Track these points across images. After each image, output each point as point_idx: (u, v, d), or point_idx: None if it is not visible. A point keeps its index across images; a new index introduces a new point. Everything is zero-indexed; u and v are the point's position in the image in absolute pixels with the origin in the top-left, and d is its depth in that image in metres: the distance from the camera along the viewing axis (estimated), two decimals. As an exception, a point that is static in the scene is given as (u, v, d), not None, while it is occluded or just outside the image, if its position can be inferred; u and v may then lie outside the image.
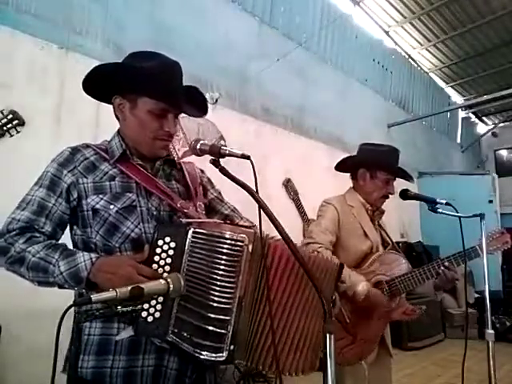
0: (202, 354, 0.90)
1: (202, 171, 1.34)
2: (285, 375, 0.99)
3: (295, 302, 0.99)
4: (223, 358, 0.90)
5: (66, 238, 1.12)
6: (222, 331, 0.90)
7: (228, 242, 0.92)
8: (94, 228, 1.07)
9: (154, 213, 1.10)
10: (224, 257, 0.91)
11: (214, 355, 0.90)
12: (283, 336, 0.98)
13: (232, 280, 0.91)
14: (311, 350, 1.02)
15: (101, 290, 0.96)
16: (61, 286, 1.00)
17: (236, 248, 0.92)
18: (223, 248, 0.92)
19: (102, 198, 1.07)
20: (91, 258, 0.97)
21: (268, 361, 0.96)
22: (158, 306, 0.95)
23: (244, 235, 0.93)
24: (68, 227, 1.14)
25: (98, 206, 1.06)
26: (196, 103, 1.23)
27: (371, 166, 1.88)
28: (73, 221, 1.11)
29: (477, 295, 5.65)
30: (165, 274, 0.97)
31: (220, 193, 1.35)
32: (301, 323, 1.00)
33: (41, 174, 1.11)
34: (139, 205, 1.09)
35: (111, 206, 1.06)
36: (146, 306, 0.94)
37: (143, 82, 1.08)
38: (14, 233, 1.02)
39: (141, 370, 1.02)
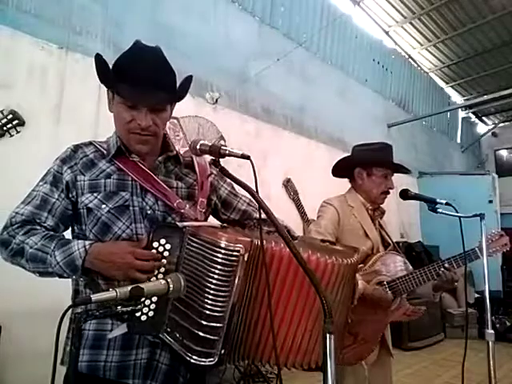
0: (192, 358, 0.90)
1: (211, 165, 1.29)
2: (287, 369, 1.00)
3: (295, 304, 0.98)
4: (213, 363, 0.90)
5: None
6: (214, 337, 0.90)
7: (223, 251, 0.90)
8: (88, 226, 1.07)
9: (148, 212, 1.09)
10: (218, 266, 0.90)
11: (204, 359, 0.90)
12: (282, 335, 0.98)
13: (226, 289, 0.90)
14: (313, 348, 1.01)
15: (101, 276, 1.00)
16: (61, 276, 1.01)
17: (231, 258, 0.90)
18: (218, 257, 0.90)
19: (95, 197, 1.07)
20: (85, 246, 0.98)
21: (267, 358, 0.97)
22: (152, 306, 0.95)
23: (240, 245, 0.90)
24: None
25: (90, 205, 1.07)
26: (169, 88, 1.11)
27: (366, 163, 1.88)
28: (72, 219, 1.12)
29: (477, 295, 5.64)
30: (160, 276, 0.97)
31: (233, 186, 1.31)
32: (302, 323, 0.99)
33: (46, 171, 1.13)
34: (132, 204, 1.08)
35: (103, 206, 1.06)
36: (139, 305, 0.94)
37: (111, 76, 1.08)
38: (16, 226, 1.04)
39: (133, 364, 1.04)
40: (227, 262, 0.90)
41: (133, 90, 1.04)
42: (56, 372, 0.72)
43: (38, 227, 1.05)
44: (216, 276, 0.90)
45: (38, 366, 1.91)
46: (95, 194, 1.07)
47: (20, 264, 1.03)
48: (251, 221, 1.30)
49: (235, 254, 0.90)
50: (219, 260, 0.90)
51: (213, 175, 1.27)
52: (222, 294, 0.90)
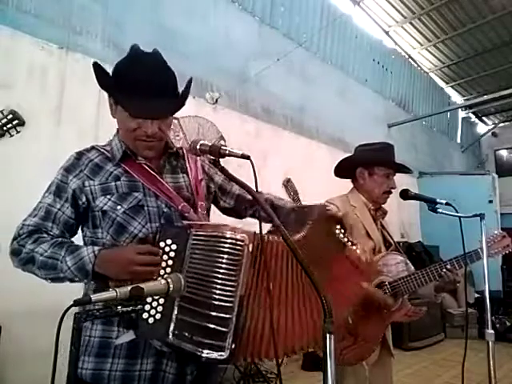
0: (203, 353, 0.90)
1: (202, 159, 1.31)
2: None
3: (295, 297, 1.01)
4: (224, 357, 0.90)
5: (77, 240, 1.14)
6: (224, 329, 0.90)
7: (229, 241, 0.93)
8: (104, 228, 1.09)
9: (165, 210, 1.11)
10: (225, 255, 0.92)
11: (215, 353, 0.90)
12: (283, 329, 1.00)
13: (233, 278, 0.92)
14: (309, 341, 1.03)
15: (108, 280, 1.01)
16: (72, 280, 1.04)
17: (237, 247, 0.93)
18: (224, 247, 0.93)
19: (109, 199, 1.09)
20: (94, 251, 1.01)
21: (268, 353, 0.98)
22: (159, 308, 0.95)
23: (244, 235, 0.93)
24: (80, 229, 1.17)
25: (105, 208, 1.08)
26: (171, 95, 1.11)
27: (368, 163, 1.88)
28: (83, 223, 1.14)
29: (477, 295, 5.64)
30: (166, 275, 0.97)
31: None
32: (308, 317, 1.02)
33: (51, 181, 1.14)
34: (146, 204, 1.10)
35: (118, 207, 1.08)
36: (147, 307, 0.94)
37: (111, 84, 1.08)
38: (24, 236, 1.07)
39: (138, 374, 1.03)
40: (233, 251, 0.92)
41: (136, 102, 1.03)
42: (56, 372, 0.72)
43: (46, 235, 1.08)
44: (223, 265, 0.92)
45: (38, 366, 1.92)
46: (108, 197, 1.09)
47: (32, 271, 1.05)
48: (245, 203, 1.35)
49: (240, 243, 0.93)
50: (225, 250, 0.92)
51: (206, 165, 1.30)
52: (230, 283, 0.91)
